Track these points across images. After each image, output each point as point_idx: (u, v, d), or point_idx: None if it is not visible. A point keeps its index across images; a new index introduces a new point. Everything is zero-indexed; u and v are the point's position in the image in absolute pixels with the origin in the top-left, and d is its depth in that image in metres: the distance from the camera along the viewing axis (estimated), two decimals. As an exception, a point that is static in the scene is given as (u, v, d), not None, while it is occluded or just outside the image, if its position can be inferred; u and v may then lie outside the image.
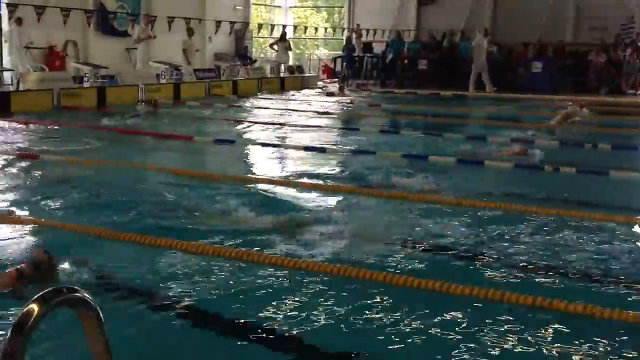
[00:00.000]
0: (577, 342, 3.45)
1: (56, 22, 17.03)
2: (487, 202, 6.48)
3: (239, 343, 3.49)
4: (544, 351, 3.36)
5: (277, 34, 24.57)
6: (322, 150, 9.79)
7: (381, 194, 6.88)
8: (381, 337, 3.49)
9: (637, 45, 21.55)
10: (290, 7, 31.84)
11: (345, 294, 4.07)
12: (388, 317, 3.72)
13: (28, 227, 5.29)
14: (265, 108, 16.58)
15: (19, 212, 5.69)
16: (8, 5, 16.28)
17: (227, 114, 15.27)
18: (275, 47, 23.78)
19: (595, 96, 19.38)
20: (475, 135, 11.40)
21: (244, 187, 7.15)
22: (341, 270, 4.38)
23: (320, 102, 18.22)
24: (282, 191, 6.98)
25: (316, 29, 31.13)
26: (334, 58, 27.23)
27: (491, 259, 4.82)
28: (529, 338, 3.49)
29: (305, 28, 29.22)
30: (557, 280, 4.40)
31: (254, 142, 10.63)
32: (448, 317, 3.74)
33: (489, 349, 3.38)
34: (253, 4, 27.48)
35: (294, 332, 3.54)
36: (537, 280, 4.42)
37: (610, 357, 3.31)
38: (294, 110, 16.32)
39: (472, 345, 3.41)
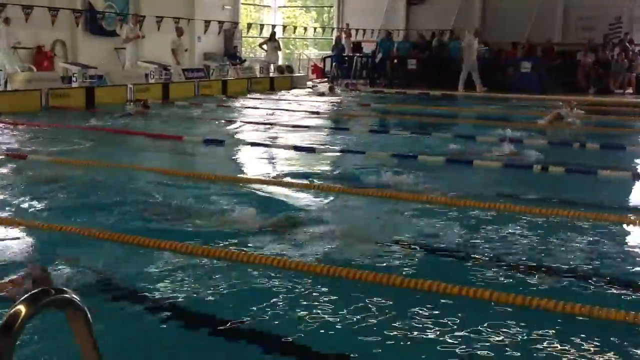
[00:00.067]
0: (568, 342, 3.46)
1: (44, 22, 16.95)
2: (477, 202, 6.49)
3: (230, 344, 3.48)
4: (536, 350, 3.37)
5: (266, 33, 24.57)
6: (311, 150, 9.79)
7: (371, 193, 6.88)
8: (373, 338, 3.49)
9: (625, 45, 21.68)
10: (280, 6, 31.85)
11: (336, 294, 4.07)
12: (379, 317, 3.72)
13: (14, 228, 5.26)
14: (254, 108, 16.56)
15: (4, 213, 5.66)
16: (-5, 5, 16.20)
17: (216, 114, 15.24)
18: (265, 46, 23.77)
19: (584, 96, 19.48)
20: (466, 135, 11.41)
21: (233, 187, 7.14)
22: (331, 270, 4.38)
23: (309, 102, 18.22)
24: (272, 191, 6.96)
25: (305, 28, 31.15)
26: (323, 58, 27.26)
27: (482, 259, 4.83)
28: (521, 337, 3.50)
29: (295, 28, 29.24)
30: (547, 280, 4.41)
31: (243, 142, 10.62)
32: (440, 317, 3.75)
33: (481, 349, 3.39)
34: (242, 3, 27.47)
35: (286, 333, 3.53)
36: (527, 279, 4.43)
37: (602, 356, 3.33)
38: (283, 110, 16.30)
39: (465, 344, 3.42)
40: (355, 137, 11.33)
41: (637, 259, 5.01)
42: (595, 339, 3.49)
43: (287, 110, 16.22)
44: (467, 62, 21.22)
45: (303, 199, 6.64)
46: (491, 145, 10.08)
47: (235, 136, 11.55)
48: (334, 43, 26.10)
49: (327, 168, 8.69)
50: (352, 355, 3.35)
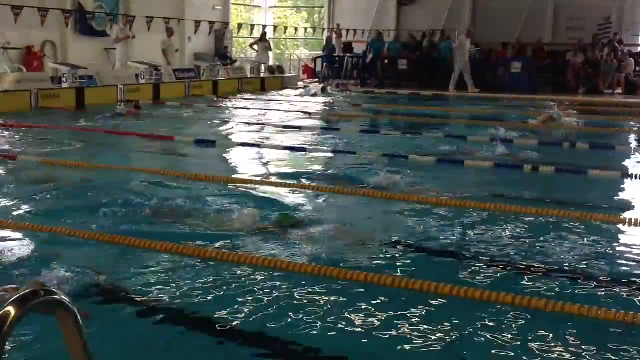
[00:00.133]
0: (559, 340, 3.47)
1: (34, 22, 16.87)
2: (468, 202, 6.51)
3: (222, 345, 3.48)
4: (528, 349, 3.38)
5: (257, 34, 24.54)
6: (302, 150, 9.79)
7: (362, 193, 6.88)
8: (366, 338, 3.50)
9: (614, 46, 21.78)
10: (270, 7, 31.82)
11: (327, 294, 4.07)
12: (371, 317, 3.73)
13: (4, 230, 5.23)
14: (245, 108, 16.55)
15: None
16: (-16, 5, 16.11)
17: (207, 114, 15.22)
18: (256, 47, 23.74)
19: (574, 96, 19.57)
20: (458, 135, 11.44)
21: (225, 188, 7.12)
22: (322, 270, 4.38)
23: (300, 102, 18.22)
24: (263, 191, 6.95)
25: (296, 29, 31.15)
26: (314, 58, 27.25)
27: (473, 259, 4.84)
28: (513, 336, 3.51)
29: (286, 28, 29.22)
30: (538, 279, 4.43)
31: (235, 143, 10.61)
32: (432, 316, 3.75)
33: (474, 348, 3.40)
34: (232, 4, 27.42)
35: (278, 334, 3.53)
36: (518, 279, 4.44)
37: (592, 354, 3.34)
38: (274, 110, 16.30)
39: (458, 344, 3.43)
40: (346, 137, 11.33)
41: (627, 257, 5.03)
42: (586, 337, 3.50)
43: (278, 110, 16.22)
44: (459, 63, 21.26)
45: (294, 199, 6.63)
46: (483, 145, 10.11)
47: (226, 137, 11.54)
48: (324, 43, 26.10)
49: (319, 168, 8.69)
50: (344, 355, 3.35)
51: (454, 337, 3.50)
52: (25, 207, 6.04)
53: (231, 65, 22.95)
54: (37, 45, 17.98)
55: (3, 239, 5.03)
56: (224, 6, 25.80)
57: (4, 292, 3.77)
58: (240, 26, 26.13)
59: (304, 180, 7.62)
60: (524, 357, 3.30)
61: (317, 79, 25.20)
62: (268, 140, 10.96)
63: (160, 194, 6.53)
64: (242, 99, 19.06)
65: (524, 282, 4.35)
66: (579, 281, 4.40)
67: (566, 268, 4.65)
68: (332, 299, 3.99)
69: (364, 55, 25.01)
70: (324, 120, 14.98)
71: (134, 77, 17.74)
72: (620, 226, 5.87)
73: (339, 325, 3.62)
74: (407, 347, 3.41)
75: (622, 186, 7.86)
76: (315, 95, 20.26)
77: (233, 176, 8.10)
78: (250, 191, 6.93)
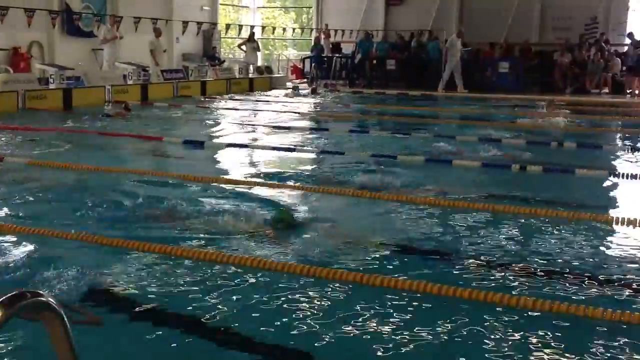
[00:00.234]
0: (550, 339, 3.49)
1: (20, 23, 16.75)
2: (456, 202, 6.54)
3: (213, 345, 3.47)
4: (518, 348, 3.39)
5: (245, 34, 24.49)
6: (291, 150, 9.79)
7: (351, 194, 6.89)
8: (354, 338, 3.50)
9: (600, 45, 21.90)
10: (258, 7, 31.78)
11: (318, 294, 4.07)
12: (362, 317, 3.73)
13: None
14: (234, 109, 16.52)
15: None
16: (-30, 6, 16.00)
17: (196, 115, 15.20)
18: (244, 47, 23.70)
19: (561, 96, 19.67)
20: (452, 135, 11.47)
21: (213, 189, 7.11)
22: (311, 270, 4.38)
23: (289, 103, 18.23)
24: (252, 192, 6.94)
25: (284, 29, 31.12)
26: (302, 58, 27.23)
27: (463, 258, 4.85)
28: (502, 336, 3.52)
29: (274, 28, 29.19)
30: (527, 278, 4.45)
31: (223, 143, 10.59)
32: (421, 315, 3.76)
33: (463, 348, 3.40)
34: (220, 4, 27.36)
35: (267, 334, 3.53)
36: (506, 277, 4.46)
37: (579, 353, 3.36)
38: (263, 111, 16.30)
39: (448, 343, 3.43)
40: (335, 137, 11.34)
41: (614, 255, 5.06)
42: (573, 335, 3.52)
43: (266, 111, 16.21)
44: (450, 63, 21.31)
45: (283, 199, 6.62)
46: (472, 145, 10.15)
47: (215, 137, 11.51)
48: (313, 44, 26.09)
49: (307, 169, 8.69)
50: (336, 355, 3.35)
51: (442, 336, 3.51)
52: (11, 209, 6.00)
53: (219, 66, 22.91)
54: (23, 46, 17.87)
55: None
56: (212, 6, 25.74)
57: None
58: (228, 26, 26.08)
59: (292, 181, 7.62)
60: (516, 356, 3.31)
61: (305, 79, 25.20)
62: (257, 141, 10.96)
63: (150, 195, 6.51)
64: (230, 99, 19.03)
65: (511, 281, 4.37)
66: (566, 280, 4.42)
67: (553, 267, 4.67)
68: (321, 298, 3.99)
69: (352, 55, 25.03)
70: (313, 121, 14.98)
71: (122, 78, 17.68)
72: (607, 225, 5.89)
73: (332, 326, 3.62)
74: (398, 347, 3.41)
75: (609, 185, 7.91)
76: (304, 95, 20.26)
77: (222, 177, 8.08)
78: (240, 192, 6.92)
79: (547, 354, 3.34)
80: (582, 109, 16.54)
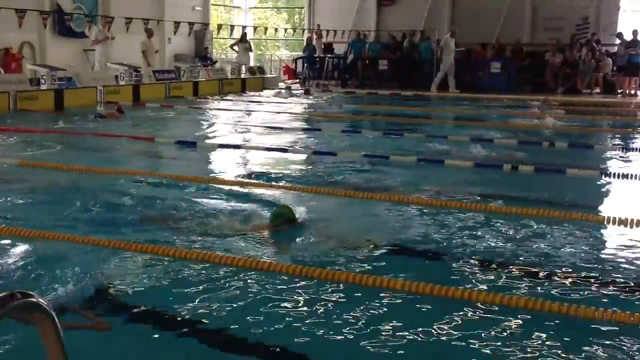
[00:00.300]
0: (539, 338, 3.50)
1: (11, 23, 16.69)
2: (448, 201, 6.55)
3: (198, 345, 3.47)
4: (508, 347, 3.40)
5: (237, 34, 24.47)
6: (283, 150, 9.78)
7: (344, 194, 6.89)
8: (350, 338, 3.50)
9: (592, 46, 21.98)
10: (250, 8, 31.76)
11: (309, 294, 4.07)
12: (354, 317, 3.73)
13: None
14: (226, 110, 16.50)
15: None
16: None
17: (188, 115, 15.19)
18: (236, 48, 23.68)
19: (553, 96, 19.74)
20: (441, 135, 11.50)
21: (206, 189, 7.09)
22: (303, 270, 4.38)
23: (281, 103, 18.23)
24: (245, 193, 6.93)
25: (276, 29, 31.10)
26: (295, 59, 27.23)
27: (454, 258, 4.87)
28: (492, 335, 3.52)
29: (266, 29, 29.18)
30: (518, 277, 4.46)
31: (215, 144, 10.57)
32: (412, 315, 3.77)
33: (454, 347, 3.41)
34: (212, 4, 27.34)
35: (258, 334, 3.53)
36: (498, 277, 4.47)
37: (571, 351, 3.37)
38: (255, 111, 16.29)
39: (439, 343, 3.44)
40: (327, 137, 11.34)
41: (604, 255, 5.09)
42: (563, 335, 3.54)
43: (258, 111, 16.20)
44: (445, 63, 21.36)
45: (275, 199, 6.62)
46: (464, 145, 10.17)
47: (207, 138, 11.50)
48: (305, 44, 26.10)
49: (300, 169, 8.69)
50: (327, 355, 3.35)
51: (438, 336, 3.51)
52: (4, 211, 5.98)
53: (211, 66, 22.89)
54: (15, 47, 17.81)
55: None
56: (204, 7, 25.72)
57: None
58: (220, 27, 26.06)
59: (285, 182, 7.62)
60: (512, 356, 3.32)
61: (298, 80, 25.21)
62: (250, 142, 10.94)
63: (143, 196, 6.49)
64: (223, 100, 19.01)
65: (503, 280, 4.38)
66: (557, 279, 4.44)
67: (544, 266, 4.69)
68: (312, 299, 3.99)
69: (344, 55, 25.05)
70: (305, 121, 14.98)
71: (114, 79, 17.64)
72: (598, 224, 5.92)
73: (327, 327, 3.62)
74: (393, 348, 3.42)
75: (600, 185, 7.94)
76: (297, 96, 20.27)
77: (215, 177, 8.06)
78: (233, 193, 6.90)
79: (541, 353, 3.35)
80: (573, 109, 16.59)
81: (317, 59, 25.43)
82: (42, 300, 1.37)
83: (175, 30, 22.11)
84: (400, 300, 3.98)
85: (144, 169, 8.38)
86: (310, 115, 16.02)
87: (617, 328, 3.63)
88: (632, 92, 20.57)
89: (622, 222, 5.79)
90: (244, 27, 25.10)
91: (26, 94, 14.80)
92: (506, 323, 3.67)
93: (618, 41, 21.43)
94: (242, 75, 22.84)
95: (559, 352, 3.35)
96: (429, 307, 3.90)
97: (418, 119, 14.79)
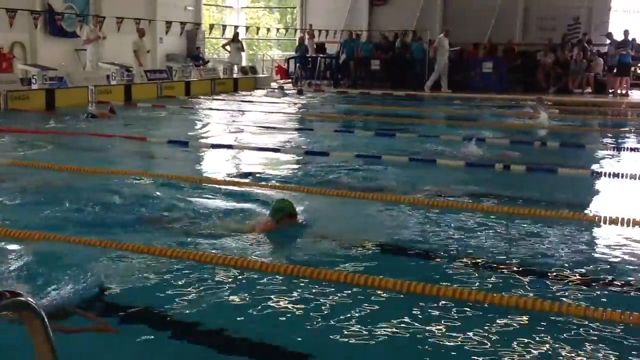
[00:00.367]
0: (528, 337, 3.51)
1: (2, 23, 16.60)
2: (441, 201, 6.56)
3: (192, 346, 3.46)
4: (497, 346, 3.41)
5: (229, 34, 24.43)
6: (276, 150, 9.78)
7: (337, 194, 6.89)
8: (336, 337, 3.50)
9: (583, 46, 22.06)
10: (242, 7, 31.71)
11: (300, 293, 4.06)
12: (342, 316, 3.73)
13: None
14: (218, 109, 16.48)
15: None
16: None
17: (180, 115, 15.15)
18: (228, 47, 23.65)
19: (545, 95, 19.79)
20: (434, 134, 11.52)
21: (197, 189, 7.07)
22: (295, 270, 4.38)
23: (274, 103, 18.21)
24: (236, 192, 6.92)
25: (268, 29, 31.07)
26: (287, 59, 27.22)
27: (445, 257, 4.87)
28: (488, 334, 3.53)
29: (258, 29, 29.14)
30: (508, 276, 4.47)
31: (208, 144, 10.55)
32: (402, 315, 3.77)
33: (444, 346, 3.41)
34: (204, 4, 27.28)
35: (249, 333, 3.52)
36: (488, 276, 4.48)
37: (560, 349, 3.38)
38: (247, 111, 16.27)
39: (429, 342, 3.44)
40: (320, 137, 11.34)
41: (595, 254, 5.10)
42: (555, 334, 3.55)
43: (251, 111, 16.18)
44: (439, 63, 21.39)
45: (267, 199, 6.60)
46: (456, 144, 10.18)
47: (198, 137, 11.48)
48: (297, 44, 26.09)
49: (292, 169, 8.69)
50: (318, 354, 3.35)
51: (426, 335, 3.52)
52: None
53: (203, 66, 22.86)
54: (5, 47, 17.72)
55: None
56: (196, 6, 25.67)
57: None
58: (212, 27, 26.01)
59: (276, 181, 7.61)
60: (507, 355, 3.33)
61: (290, 80, 25.20)
62: (242, 142, 10.92)
63: (135, 195, 6.47)
64: (215, 99, 18.98)
65: (494, 279, 4.39)
66: (547, 278, 4.45)
67: (535, 265, 4.70)
68: (302, 298, 3.99)
69: (336, 55, 25.05)
70: (297, 121, 14.98)
71: (105, 78, 17.59)
72: (589, 223, 5.94)
73: (323, 327, 3.62)
74: (379, 346, 3.42)
75: (591, 184, 7.97)
76: (290, 95, 20.28)
77: (202, 177, 8.05)
78: (225, 192, 6.89)
79: (532, 351, 3.36)
80: (565, 109, 16.65)
81: (310, 59, 25.43)
82: (31, 300, 1.37)
83: (167, 29, 22.05)
84: (395, 300, 3.99)
85: (136, 168, 8.35)
86: (303, 115, 16.01)
87: (609, 327, 3.64)
88: (623, 92, 20.65)
89: (613, 221, 5.81)
90: (236, 27, 25.07)
91: (17, 93, 14.74)
92: (502, 322, 3.68)
93: (608, 41, 21.50)
94: (234, 75, 22.82)
95: (551, 350, 3.36)
96: (424, 306, 3.89)
97: (410, 119, 14.80)
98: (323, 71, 25.20)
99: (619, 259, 4.90)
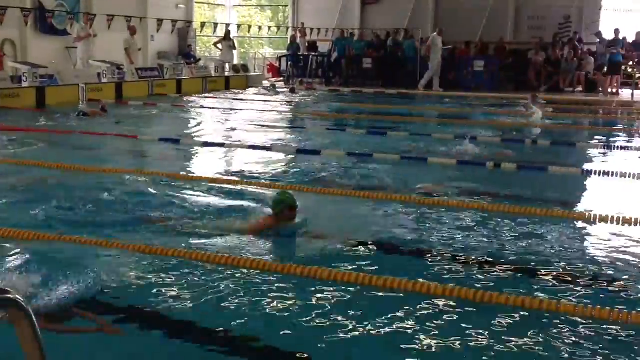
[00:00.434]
0: (519, 334, 3.52)
1: (-8, 21, 16.55)
2: (432, 199, 6.57)
3: (184, 344, 3.46)
4: (486, 343, 3.42)
5: (220, 32, 24.38)
6: (267, 149, 9.76)
7: (328, 192, 6.88)
8: (328, 335, 3.50)
9: (574, 45, 22.13)
10: (234, 5, 31.65)
11: (291, 291, 4.07)
12: (333, 314, 3.73)
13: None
14: (210, 108, 16.44)
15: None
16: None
17: (171, 113, 15.11)
18: (220, 46, 23.61)
19: (538, 94, 19.84)
20: (425, 133, 11.53)
21: (188, 186, 7.05)
22: (286, 268, 4.38)
23: (266, 101, 18.19)
24: (227, 190, 6.91)
25: (260, 27, 31.02)
26: (279, 57, 27.19)
27: (436, 254, 4.88)
28: (478, 331, 3.54)
29: (250, 27, 29.09)
30: (498, 274, 4.48)
31: (199, 142, 10.53)
32: (393, 312, 3.77)
33: (434, 344, 3.42)
34: (196, 2, 27.20)
35: (242, 332, 3.52)
36: (478, 273, 4.49)
37: (549, 346, 3.40)
38: (239, 109, 16.24)
39: (419, 340, 3.45)
40: (312, 135, 11.34)
41: (584, 252, 5.13)
42: (547, 330, 3.56)
43: (242, 109, 16.15)
44: (432, 61, 21.40)
45: (258, 197, 6.60)
46: (448, 143, 10.21)
47: (190, 135, 11.45)
48: (289, 42, 26.06)
49: (283, 167, 8.68)
50: (310, 353, 3.35)
51: (415, 332, 3.52)
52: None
53: (195, 64, 22.79)
54: (-4, 44, 17.65)
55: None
56: (187, 4, 25.59)
57: None
58: (203, 25, 25.94)
59: (267, 179, 7.60)
60: (503, 354, 3.34)
61: (282, 78, 25.18)
62: (234, 140, 10.90)
63: (129, 194, 6.44)
64: (206, 97, 18.93)
65: (485, 277, 4.40)
66: (536, 275, 4.46)
67: (525, 263, 4.72)
68: (294, 295, 3.99)
69: (328, 54, 25.04)
70: (290, 119, 14.97)
71: (96, 76, 17.52)
72: (579, 222, 5.96)
73: (317, 325, 3.62)
74: (370, 344, 3.42)
75: (581, 182, 8.01)
76: (282, 93, 20.27)
77: (193, 175, 8.02)
78: (213, 190, 6.87)
79: (522, 349, 3.37)
80: (556, 107, 16.69)
81: (301, 57, 25.41)
82: (19, 297, 1.36)
83: (159, 27, 21.98)
84: (380, 297, 3.99)
85: (128, 166, 8.31)
86: (295, 114, 16.00)
87: (596, 325, 3.66)
88: (614, 90, 20.73)
89: (603, 219, 5.84)
90: (227, 25, 25.02)
91: (7, 91, 14.67)
92: (486, 319, 3.69)
93: (598, 40, 21.58)
94: (226, 73, 22.77)
95: (540, 347, 3.38)
96: (409, 303, 3.90)
97: (402, 117, 14.81)
98: (315, 69, 25.19)
99: (608, 257, 4.93)
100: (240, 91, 21.47)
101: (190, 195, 6.54)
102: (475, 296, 3.94)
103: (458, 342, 3.41)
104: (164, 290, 4.05)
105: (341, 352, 3.38)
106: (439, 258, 4.80)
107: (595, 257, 4.93)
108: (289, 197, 5.42)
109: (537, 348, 3.38)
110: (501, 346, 3.39)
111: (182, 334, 3.52)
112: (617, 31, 20.90)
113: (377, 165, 8.46)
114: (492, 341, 3.43)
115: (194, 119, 14.12)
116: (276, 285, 4.18)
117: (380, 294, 4.05)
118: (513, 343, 3.42)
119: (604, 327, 3.63)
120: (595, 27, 23.75)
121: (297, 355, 3.34)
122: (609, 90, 20.71)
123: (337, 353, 3.38)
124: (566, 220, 5.96)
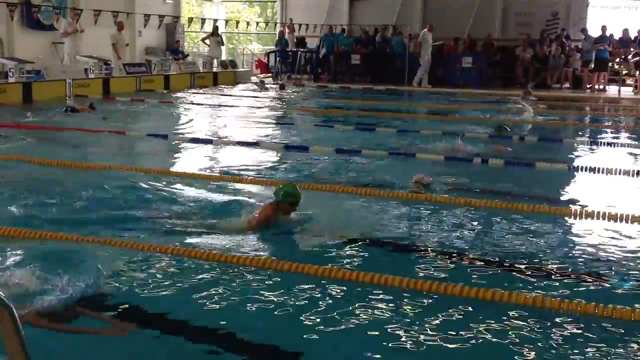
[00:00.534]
0: (509, 331, 3.53)
1: (-22, 15, 16.42)
2: (420, 195, 6.57)
3: (186, 343, 3.44)
4: (476, 340, 3.43)
5: (208, 28, 24.30)
6: (255, 144, 9.74)
7: (318, 188, 6.87)
8: (323, 332, 3.50)
9: (561, 41, 22.22)
10: (222, 1, 31.55)
11: (282, 288, 4.06)
12: (328, 310, 3.73)
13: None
14: (197, 103, 16.39)
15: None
16: None
17: (158, 109, 15.05)
18: (207, 41, 23.54)
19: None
20: (413, 129, 11.54)
21: (176, 183, 7.03)
22: (279, 265, 4.37)
23: (254, 97, 18.15)
24: (216, 186, 6.89)
25: (248, 23, 30.94)
26: (267, 53, 27.15)
27: (425, 251, 4.89)
28: (474, 328, 3.54)
29: (238, 22, 29.00)
30: (487, 270, 4.50)
31: (186, 137, 10.49)
32: (384, 309, 3.78)
33: (426, 342, 3.43)
34: (184, -3, 27.13)
35: (236, 330, 3.51)
36: (468, 269, 4.50)
37: (542, 344, 3.41)
38: (227, 105, 16.20)
39: (411, 337, 3.45)
40: (300, 131, 11.33)
41: (571, 248, 5.15)
42: (538, 327, 3.58)
43: (231, 105, 16.11)
44: (423, 57, 21.42)
45: (247, 193, 6.59)
46: (437, 138, 10.23)
47: (178, 131, 11.40)
48: (277, 38, 26.02)
49: (271, 163, 8.66)
50: (303, 351, 3.35)
51: (406, 328, 3.53)
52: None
53: (183, 60, 22.72)
54: (-19, 40, 17.53)
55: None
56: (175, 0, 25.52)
57: None
58: (191, 20, 25.83)
59: (255, 175, 7.58)
60: (499, 352, 3.35)
61: (270, 74, 25.14)
62: (220, 135, 10.87)
63: (116, 189, 6.42)
64: (194, 93, 18.87)
65: (473, 273, 4.41)
66: (522, 271, 4.48)
67: (513, 258, 4.73)
68: (285, 292, 3.99)
69: (317, 49, 25.03)
70: (278, 115, 14.93)
71: (83, 72, 17.42)
72: (566, 217, 5.99)
73: (295, 319, 3.62)
74: (363, 342, 3.43)
75: (568, 178, 8.04)
76: (270, 90, 20.24)
77: (181, 171, 7.98)
78: (202, 186, 6.86)
79: (511, 346, 3.38)
80: (543, 104, 16.75)
81: (290, 53, 25.38)
82: (0, 293, 1.34)
83: (146, 23, 21.85)
84: (371, 294, 3.99)
85: (115, 163, 8.27)
86: (283, 109, 15.96)
87: (582, 318, 3.68)
88: (601, 87, 20.83)
89: (589, 215, 5.87)
90: (215, 21, 24.94)
91: (-7, 87, 14.57)
92: (476, 316, 3.70)
93: (583, 37, 21.68)
94: (214, 69, 22.72)
95: (526, 342, 3.39)
96: (400, 299, 3.91)
97: (390, 113, 14.82)
98: (303, 65, 25.17)
99: (594, 252, 4.95)
100: (229, 87, 21.40)
101: (180, 191, 6.53)
102: (477, 293, 3.95)
103: (451, 338, 3.42)
104: (162, 290, 4.03)
105: (336, 349, 3.37)
106: (426, 254, 4.81)
107: (581, 253, 4.95)
108: (296, 192, 5.36)
109: (524, 344, 3.39)
110: (491, 342, 3.40)
111: (182, 333, 3.51)
112: (604, 28, 21.00)
113: (365, 160, 8.47)
114: (490, 338, 3.44)
115: (182, 114, 14.07)
116: (276, 283, 4.16)
117: (372, 290, 4.05)
118: (501, 338, 3.43)
119: (591, 322, 3.65)
120: (583, 24, 23.85)
121: (295, 352, 3.33)
122: (596, 86, 20.81)
123: (331, 350, 3.37)
124: (552, 216, 5.98)
